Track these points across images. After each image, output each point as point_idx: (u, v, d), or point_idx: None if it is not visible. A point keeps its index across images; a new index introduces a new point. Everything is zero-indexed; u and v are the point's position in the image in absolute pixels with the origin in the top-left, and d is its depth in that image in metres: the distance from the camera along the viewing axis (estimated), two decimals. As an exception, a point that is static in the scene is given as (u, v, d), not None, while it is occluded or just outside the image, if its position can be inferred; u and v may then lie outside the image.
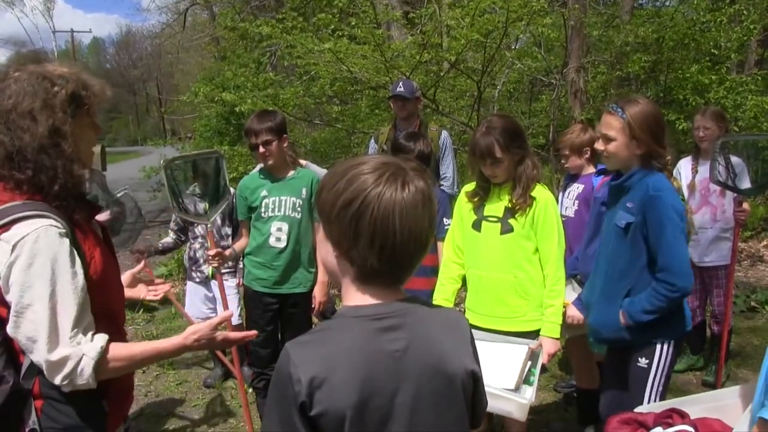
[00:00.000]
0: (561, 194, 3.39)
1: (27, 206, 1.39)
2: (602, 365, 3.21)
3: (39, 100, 1.41)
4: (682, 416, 1.85)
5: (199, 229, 4.02)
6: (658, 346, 2.30)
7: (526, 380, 2.45)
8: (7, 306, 1.39)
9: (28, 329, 1.36)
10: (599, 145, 2.34)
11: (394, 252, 1.04)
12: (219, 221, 3.91)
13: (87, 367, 1.39)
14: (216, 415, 3.78)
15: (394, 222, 1.03)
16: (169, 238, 4.15)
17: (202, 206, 3.74)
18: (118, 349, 1.46)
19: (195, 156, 3.09)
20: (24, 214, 1.37)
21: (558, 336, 2.51)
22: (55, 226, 1.39)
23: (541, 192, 2.53)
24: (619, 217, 2.30)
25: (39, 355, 1.37)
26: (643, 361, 2.33)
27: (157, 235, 8.97)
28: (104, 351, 1.42)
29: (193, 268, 4.08)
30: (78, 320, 1.40)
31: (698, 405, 2.02)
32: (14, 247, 1.35)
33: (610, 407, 2.44)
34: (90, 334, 1.42)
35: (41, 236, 1.36)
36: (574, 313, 2.65)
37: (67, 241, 1.41)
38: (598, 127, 2.39)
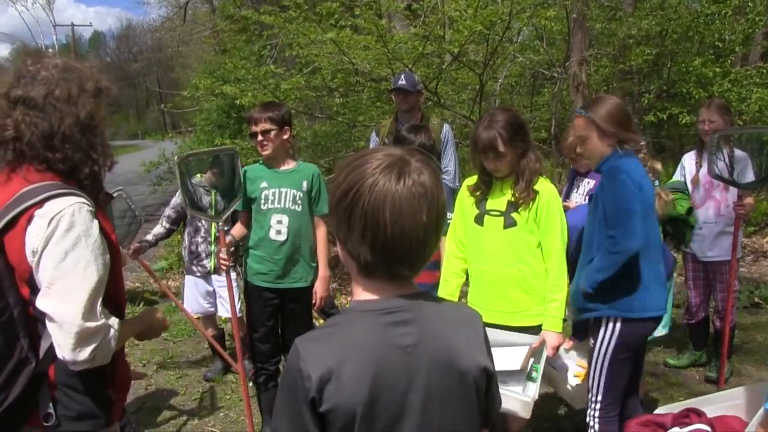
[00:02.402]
0: (568, 189, 3.35)
1: (58, 185, 1.45)
2: None
3: (75, 86, 1.49)
4: (699, 415, 1.84)
5: (202, 223, 3.99)
6: (603, 322, 2.38)
7: (529, 377, 2.43)
8: (32, 286, 1.43)
9: (63, 298, 1.38)
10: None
11: (387, 246, 1.01)
12: None
13: (113, 339, 1.45)
14: (216, 408, 3.77)
15: (384, 215, 0.99)
16: (161, 228, 4.12)
17: (214, 204, 3.73)
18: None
19: (211, 152, 3.08)
20: (57, 192, 1.43)
21: (560, 330, 2.49)
22: (86, 204, 1.45)
23: (543, 185, 2.51)
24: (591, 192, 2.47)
25: (72, 323, 1.37)
26: (591, 341, 2.45)
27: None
28: (120, 325, 1.49)
29: (194, 262, 4.05)
30: (102, 296, 1.45)
31: (715, 404, 2.01)
32: (50, 221, 1.39)
33: None
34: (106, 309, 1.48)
35: (76, 212, 1.41)
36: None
37: (96, 220, 1.47)
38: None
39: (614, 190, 2.29)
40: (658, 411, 2.11)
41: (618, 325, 2.35)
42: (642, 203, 2.27)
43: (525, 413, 2.26)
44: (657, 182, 2.39)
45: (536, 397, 2.35)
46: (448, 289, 2.69)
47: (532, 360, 2.43)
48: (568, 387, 2.80)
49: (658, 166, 2.48)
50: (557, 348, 2.49)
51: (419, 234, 1.01)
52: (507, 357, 2.37)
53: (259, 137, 3.01)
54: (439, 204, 1.04)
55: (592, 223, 2.41)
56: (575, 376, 2.92)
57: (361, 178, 1.01)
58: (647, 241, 2.32)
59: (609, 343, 2.37)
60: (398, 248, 1.01)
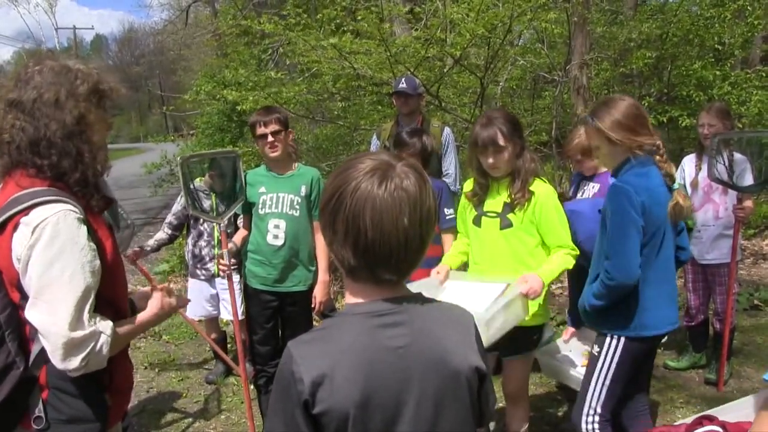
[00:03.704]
0: (573, 193, 3.35)
1: (47, 192, 1.44)
2: None
3: (64, 90, 1.47)
4: (711, 420, 1.85)
5: (205, 227, 4.02)
6: (608, 338, 2.34)
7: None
8: (22, 291, 1.42)
9: (49, 309, 1.38)
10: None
11: (367, 250, 1.02)
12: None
13: (105, 345, 1.44)
14: (217, 411, 3.78)
15: (365, 219, 1.01)
16: (164, 234, 4.13)
17: (215, 206, 3.76)
18: (118, 327, 1.52)
19: (213, 154, 3.10)
20: (44, 199, 1.41)
21: (546, 281, 2.40)
22: (73, 212, 1.43)
23: (539, 186, 2.52)
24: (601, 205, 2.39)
25: (58, 334, 1.37)
26: (595, 349, 2.40)
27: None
28: (114, 330, 1.47)
29: (198, 266, 4.08)
30: (92, 302, 1.44)
31: (732, 412, 2.01)
32: (34, 229, 1.38)
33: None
34: (98, 315, 1.46)
35: (61, 220, 1.40)
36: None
37: (84, 227, 1.45)
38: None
39: (613, 215, 2.22)
40: (681, 422, 2.11)
41: (622, 341, 2.32)
42: (643, 229, 2.19)
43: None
44: (676, 185, 2.34)
45: (493, 318, 2.18)
46: (450, 257, 2.74)
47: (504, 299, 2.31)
48: (578, 377, 2.80)
49: (673, 169, 2.40)
50: (536, 293, 2.34)
51: (400, 238, 1.02)
52: (475, 295, 2.30)
53: (269, 138, 3.02)
54: (422, 208, 1.04)
55: (601, 239, 2.35)
56: (583, 366, 2.93)
57: (345, 182, 1.03)
58: (651, 263, 2.26)
59: (612, 358, 2.33)
60: (379, 252, 1.02)
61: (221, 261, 3.05)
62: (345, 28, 6.24)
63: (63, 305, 1.37)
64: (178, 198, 4.15)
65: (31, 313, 1.40)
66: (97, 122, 1.54)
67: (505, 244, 2.53)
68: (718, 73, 6.65)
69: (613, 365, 2.33)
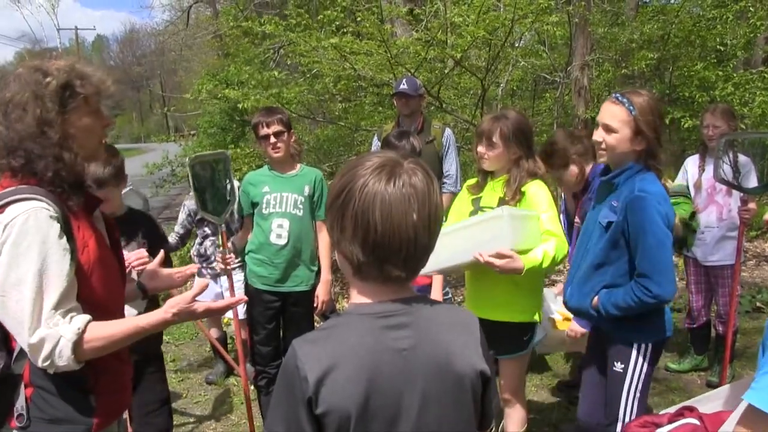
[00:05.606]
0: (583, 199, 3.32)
1: (21, 190, 1.43)
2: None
3: (29, 92, 1.46)
4: (692, 410, 1.84)
5: (210, 228, 4.03)
6: (634, 351, 2.25)
7: None
8: None
9: (14, 310, 1.38)
10: (596, 136, 2.21)
11: (377, 245, 1.03)
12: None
13: (65, 348, 1.39)
14: (217, 412, 3.78)
15: (375, 214, 1.01)
16: (172, 240, 4.14)
17: (216, 206, 3.76)
18: (97, 329, 1.45)
19: (209, 156, 3.11)
20: (17, 197, 1.41)
21: (528, 267, 2.30)
22: (46, 209, 1.42)
23: (533, 186, 2.53)
24: (604, 215, 2.22)
25: (22, 337, 1.38)
26: (618, 366, 2.29)
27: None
28: (82, 332, 1.42)
29: (204, 265, 4.10)
30: (59, 303, 1.40)
31: (715, 401, 2.00)
32: (5, 227, 1.38)
33: (590, 413, 2.44)
34: (69, 316, 1.42)
35: (31, 218, 1.39)
36: (576, 328, 2.77)
37: (57, 225, 1.43)
38: (598, 118, 2.24)
39: (645, 227, 2.08)
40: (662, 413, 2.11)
41: (649, 348, 2.25)
42: (669, 240, 2.11)
43: (508, 225, 2.29)
44: (678, 187, 2.30)
45: (515, 216, 2.34)
46: None
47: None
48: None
49: (669, 183, 2.35)
50: (499, 259, 2.25)
51: (410, 232, 1.03)
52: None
53: (272, 139, 3.03)
54: (431, 205, 1.05)
55: (606, 247, 2.21)
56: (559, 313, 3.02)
57: (352, 180, 1.04)
58: None
59: (642, 368, 2.25)
60: (388, 246, 1.03)
61: (219, 258, 3.04)
62: (345, 30, 6.23)
63: (25, 308, 1.36)
64: (182, 208, 4.16)
65: None
66: (74, 121, 1.50)
67: None
68: (720, 73, 6.63)
69: (644, 374, 2.25)
